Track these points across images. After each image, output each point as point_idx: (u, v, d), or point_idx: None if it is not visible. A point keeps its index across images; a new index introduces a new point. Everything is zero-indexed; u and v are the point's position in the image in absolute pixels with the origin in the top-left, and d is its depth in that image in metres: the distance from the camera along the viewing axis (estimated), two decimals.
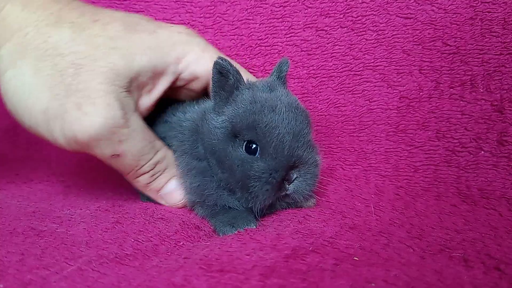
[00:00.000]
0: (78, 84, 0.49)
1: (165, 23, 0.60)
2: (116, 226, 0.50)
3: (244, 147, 0.52)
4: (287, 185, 0.52)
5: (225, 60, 0.51)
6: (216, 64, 0.51)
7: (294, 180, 0.53)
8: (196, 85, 0.60)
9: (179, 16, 0.84)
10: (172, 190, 0.58)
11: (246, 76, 0.60)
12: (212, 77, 0.53)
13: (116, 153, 0.52)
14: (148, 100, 0.56)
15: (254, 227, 0.51)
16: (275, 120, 0.51)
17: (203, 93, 0.62)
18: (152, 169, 0.56)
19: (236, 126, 0.51)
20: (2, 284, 0.36)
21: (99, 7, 0.57)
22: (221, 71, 0.52)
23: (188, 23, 0.84)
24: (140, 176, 0.56)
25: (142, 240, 0.46)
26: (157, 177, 0.57)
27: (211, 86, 0.54)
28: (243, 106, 0.52)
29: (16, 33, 0.51)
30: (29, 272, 0.38)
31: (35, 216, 0.53)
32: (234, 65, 0.54)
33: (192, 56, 0.57)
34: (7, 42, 0.51)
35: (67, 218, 0.52)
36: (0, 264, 0.40)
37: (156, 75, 0.55)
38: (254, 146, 0.51)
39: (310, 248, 0.43)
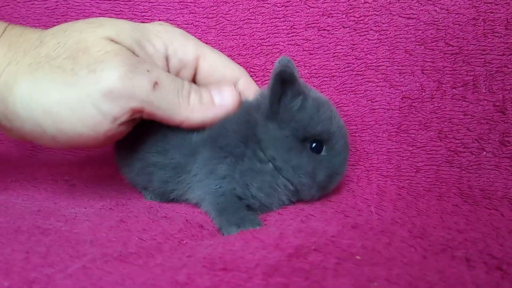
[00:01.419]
0: (80, 63, 0.50)
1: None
2: (120, 225, 0.50)
3: (309, 148, 0.56)
4: None
5: (290, 64, 0.53)
6: (281, 72, 0.51)
7: None
8: (185, 74, 0.61)
9: (183, 16, 0.84)
10: (222, 96, 0.58)
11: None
12: (274, 84, 0.52)
13: (154, 81, 0.52)
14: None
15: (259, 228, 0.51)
16: (338, 120, 0.57)
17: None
18: (191, 85, 0.57)
19: (311, 131, 0.54)
20: (7, 282, 0.37)
21: None
22: (289, 78, 0.52)
23: (192, 23, 0.84)
24: (189, 99, 0.55)
25: (146, 239, 0.47)
26: (202, 90, 0.57)
27: (269, 94, 0.53)
28: (314, 111, 0.55)
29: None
30: (34, 270, 0.39)
31: (39, 214, 0.54)
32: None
33: (177, 43, 0.58)
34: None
35: (71, 217, 0.53)
36: (5, 262, 0.40)
37: (148, 56, 0.56)
38: (317, 145, 0.55)
39: (313, 247, 0.43)
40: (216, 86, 0.59)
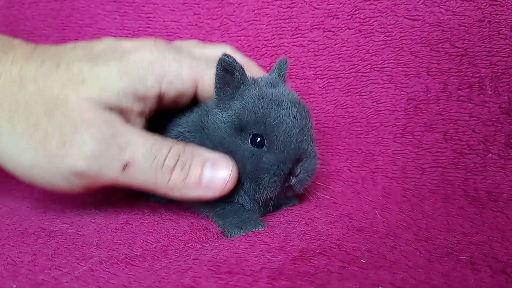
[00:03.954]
0: (55, 125, 0.48)
1: (131, 41, 0.56)
2: (125, 227, 0.51)
3: (250, 140, 0.53)
4: (291, 177, 0.54)
5: (230, 56, 0.52)
6: (221, 60, 0.52)
7: (299, 173, 0.55)
8: (184, 100, 0.58)
9: (187, 18, 0.85)
10: (214, 174, 0.52)
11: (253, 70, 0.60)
12: (216, 73, 0.53)
13: (124, 161, 0.48)
14: (142, 120, 0.55)
15: (262, 229, 0.51)
16: (283, 114, 0.53)
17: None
18: (178, 160, 0.51)
19: (244, 120, 0.53)
20: (15, 284, 0.37)
21: (61, 46, 0.55)
22: (227, 67, 0.52)
23: (196, 24, 0.85)
24: (170, 176, 0.50)
25: (151, 241, 0.47)
26: (189, 166, 0.51)
27: (214, 82, 0.54)
28: (250, 101, 0.53)
29: None
30: (41, 272, 0.39)
31: (46, 216, 0.54)
32: (239, 61, 0.53)
33: (172, 73, 0.54)
34: None
35: (77, 219, 0.53)
36: (12, 264, 0.41)
37: (140, 99, 0.52)
38: (259, 139, 0.53)
39: (318, 251, 0.43)
40: (213, 159, 0.53)
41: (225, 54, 0.52)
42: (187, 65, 0.55)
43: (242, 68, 0.54)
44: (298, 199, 0.63)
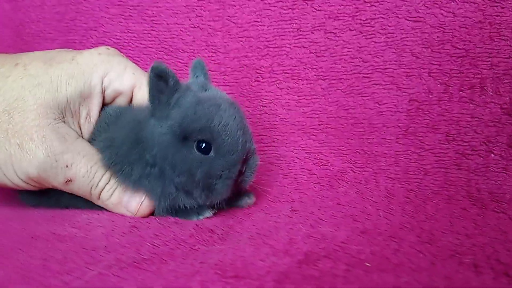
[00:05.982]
0: (14, 126, 0.54)
1: (87, 49, 0.64)
2: (132, 231, 0.51)
3: (196, 148, 0.54)
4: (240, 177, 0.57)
5: (163, 63, 0.52)
6: (154, 68, 0.51)
7: (244, 171, 0.57)
8: (121, 101, 0.64)
9: (190, 20, 0.85)
10: (130, 200, 0.59)
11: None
12: (150, 81, 0.52)
13: (67, 178, 0.56)
14: (90, 125, 0.61)
15: (211, 214, 0.58)
16: (225, 117, 0.54)
17: None
18: (107, 183, 0.59)
19: (187, 128, 0.53)
20: None
21: (19, 53, 0.62)
22: (160, 74, 0.52)
23: (198, 26, 0.85)
24: (101, 194, 0.59)
25: (158, 244, 0.48)
26: (114, 190, 0.59)
27: (148, 90, 0.54)
28: (191, 108, 0.54)
29: None
30: (52, 277, 0.40)
31: (54, 220, 0.55)
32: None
33: (113, 74, 0.61)
34: None
35: (85, 223, 0.54)
36: (23, 268, 0.41)
37: (86, 99, 0.60)
38: (206, 146, 0.54)
39: (322, 254, 0.44)
40: (131, 191, 0.59)
41: (157, 62, 0.51)
42: (129, 71, 0.62)
43: (175, 74, 0.53)
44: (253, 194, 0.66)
